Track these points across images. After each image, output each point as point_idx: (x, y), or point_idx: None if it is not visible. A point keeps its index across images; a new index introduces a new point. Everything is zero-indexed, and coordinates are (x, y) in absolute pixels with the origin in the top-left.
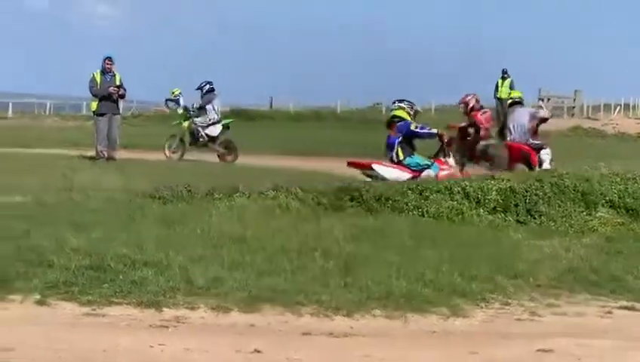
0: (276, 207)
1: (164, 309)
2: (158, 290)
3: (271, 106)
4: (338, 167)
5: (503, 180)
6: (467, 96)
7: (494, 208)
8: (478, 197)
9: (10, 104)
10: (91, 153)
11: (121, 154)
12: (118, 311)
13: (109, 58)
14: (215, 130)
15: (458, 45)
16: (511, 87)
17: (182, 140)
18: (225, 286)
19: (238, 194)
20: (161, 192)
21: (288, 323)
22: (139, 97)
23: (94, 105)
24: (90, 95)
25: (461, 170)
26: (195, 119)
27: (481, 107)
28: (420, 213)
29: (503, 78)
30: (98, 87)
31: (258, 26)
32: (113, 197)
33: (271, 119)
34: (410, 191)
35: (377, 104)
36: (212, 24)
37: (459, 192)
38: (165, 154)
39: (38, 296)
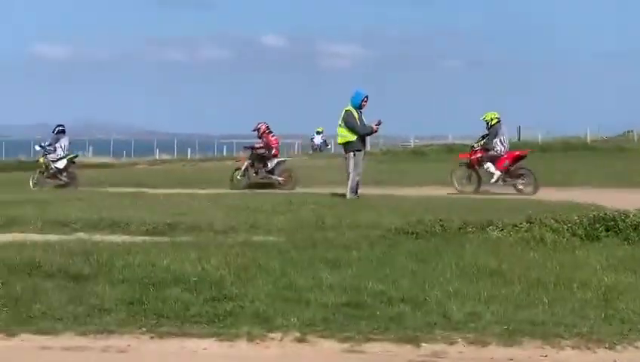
0: (530, 239)
1: (423, 344)
2: (415, 326)
3: (519, 139)
4: (589, 197)
5: None
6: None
7: None
8: None
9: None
10: (341, 190)
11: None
12: (377, 347)
13: (367, 96)
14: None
15: None
16: None
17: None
18: (482, 321)
19: (491, 228)
20: (414, 227)
21: (548, 357)
22: None
23: (347, 140)
24: (349, 130)
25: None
26: None
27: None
28: None
29: None
30: (358, 123)
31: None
32: (367, 234)
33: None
34: None
35: (629, 132)
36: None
37: None
38: None
39: (297, 334)
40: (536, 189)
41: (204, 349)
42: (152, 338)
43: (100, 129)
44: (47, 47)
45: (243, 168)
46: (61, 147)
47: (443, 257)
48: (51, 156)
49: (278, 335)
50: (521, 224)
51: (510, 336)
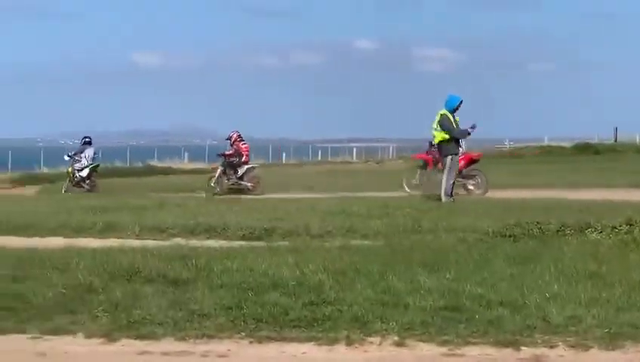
0: (631, 241)
1: (522, 348)
2: (515, 329)
3: (615, 140)
4: None
5: None
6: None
7: None
8: None
9: (355, 149)
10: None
11: None
12: (476, 350)
13: (462, 101)
14: None
15: None
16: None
17: None
18: (583, 324)
19: (590, 230)
20: (511, 230)
21: None
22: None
23: (443, 140)
24: (445, 133)
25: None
26: None
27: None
28: None
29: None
30: (454, 126)
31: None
32: (464, 237)
33: (617, 152)
34: None
35: None
36: None
37: None
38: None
39: (396, 337)
40: (486, 191)
41: (303, 353)
42: (251, 342)
43: (196, 135)
44: (142, 55)
45: (217, 175)
46: (85, 157)
47: (541, 260)
48: (77, 165)
49: (376, 339)
50: (620, 226)
51: (612, 340)
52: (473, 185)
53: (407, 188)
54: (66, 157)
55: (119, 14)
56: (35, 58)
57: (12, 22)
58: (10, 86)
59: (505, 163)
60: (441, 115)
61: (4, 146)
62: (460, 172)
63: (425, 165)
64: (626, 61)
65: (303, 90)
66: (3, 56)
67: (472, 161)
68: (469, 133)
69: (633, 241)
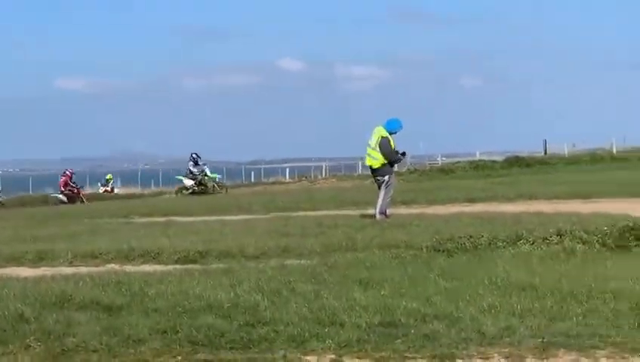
0: (561, 251)
1: (458, 361)
2: (450, 342)
3: (545, 152)
4: (618, 208)
5: None
6: None
7: None
8: None
9: (288, 169)
10: (370, 211)
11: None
12: None
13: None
14: None
15: None
16: None
17: None
18: (517, 335)
19: (521, 242)
20: (445, 245)
21: None
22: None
23: (380, 164)
24: (383, 157)
25: None
26: None
27: None
28: None
29: None
30: (392, 150)
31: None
32: (398, 254)
33: (546, 165)
34: None
35: None
36: None
37: None
38: None
39: (332, 356)
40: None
41: None
42: None
43: (128, 160)
44: (67, 81)
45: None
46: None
47: (475, 273)
48: None
49: (313, 358)
50: (551, 237)
51: (545, 349)
52: None
53: None
54: None
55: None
56: None
57: None
58: None
59: (438, 178)
60: (383, 136)
61: None
62: None
63: None
64: (554, 76)
65: (232, 112)
66: None
67: None
68: (400, 160)
69: (564, 251)
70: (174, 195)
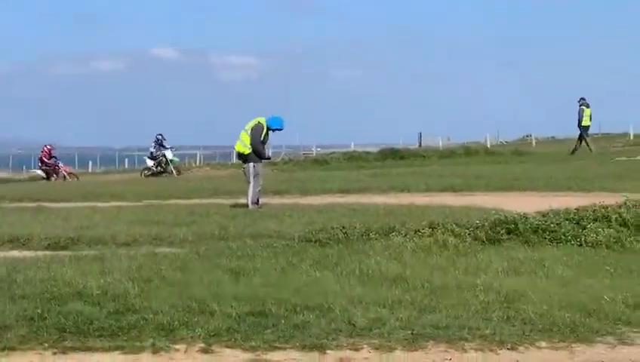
0: (433, 244)
1: (328, 352)
2: (320, 333)
3: (420, 145)
4: (490, 201)
5: None
6: None
7: None
8: (638, 224)
9: None
10: (243, 200)
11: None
12: (282, 356)
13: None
14: None
15: None
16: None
17: None
18: (387, 326)
19: (394, 234)
20: (318, 235)
21: (453, 360)
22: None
23: (246, 152)
24: (248, 145)
25: None
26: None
27: None
28: (578, 243)
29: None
30: (261, 141)
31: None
32: (270, 243)
33: (421, 157)
34: (567, 222)
35: (527, 136)
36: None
37: (616, 220)
38: None
39: (202, 344)
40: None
41: None
42: (55, 353)
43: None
44: None
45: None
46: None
47: (347, 264)
48: None
49: (182, 346)
50: (423, 229)
51: (415, 341)
52: None
53: None
54: None
55: None
56: None
57: None
58: None
59: (312, 169)
60: (259, 122)
61: None
62: None
63: None
64: (431, 70)
65: (104, 99)
66: None
67: None
68: (264, 159)
69: (436, 244)
70: (140, 176)
